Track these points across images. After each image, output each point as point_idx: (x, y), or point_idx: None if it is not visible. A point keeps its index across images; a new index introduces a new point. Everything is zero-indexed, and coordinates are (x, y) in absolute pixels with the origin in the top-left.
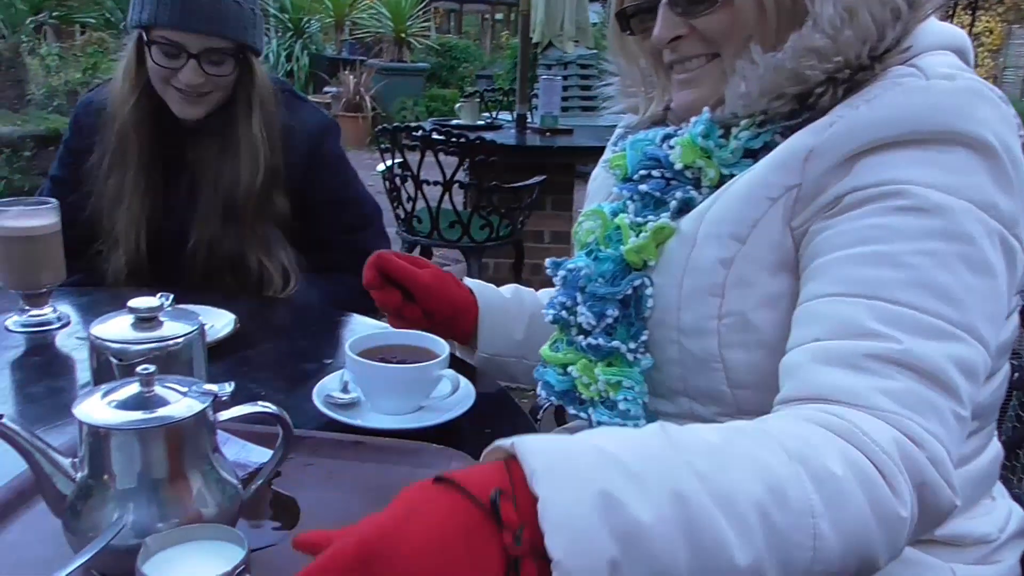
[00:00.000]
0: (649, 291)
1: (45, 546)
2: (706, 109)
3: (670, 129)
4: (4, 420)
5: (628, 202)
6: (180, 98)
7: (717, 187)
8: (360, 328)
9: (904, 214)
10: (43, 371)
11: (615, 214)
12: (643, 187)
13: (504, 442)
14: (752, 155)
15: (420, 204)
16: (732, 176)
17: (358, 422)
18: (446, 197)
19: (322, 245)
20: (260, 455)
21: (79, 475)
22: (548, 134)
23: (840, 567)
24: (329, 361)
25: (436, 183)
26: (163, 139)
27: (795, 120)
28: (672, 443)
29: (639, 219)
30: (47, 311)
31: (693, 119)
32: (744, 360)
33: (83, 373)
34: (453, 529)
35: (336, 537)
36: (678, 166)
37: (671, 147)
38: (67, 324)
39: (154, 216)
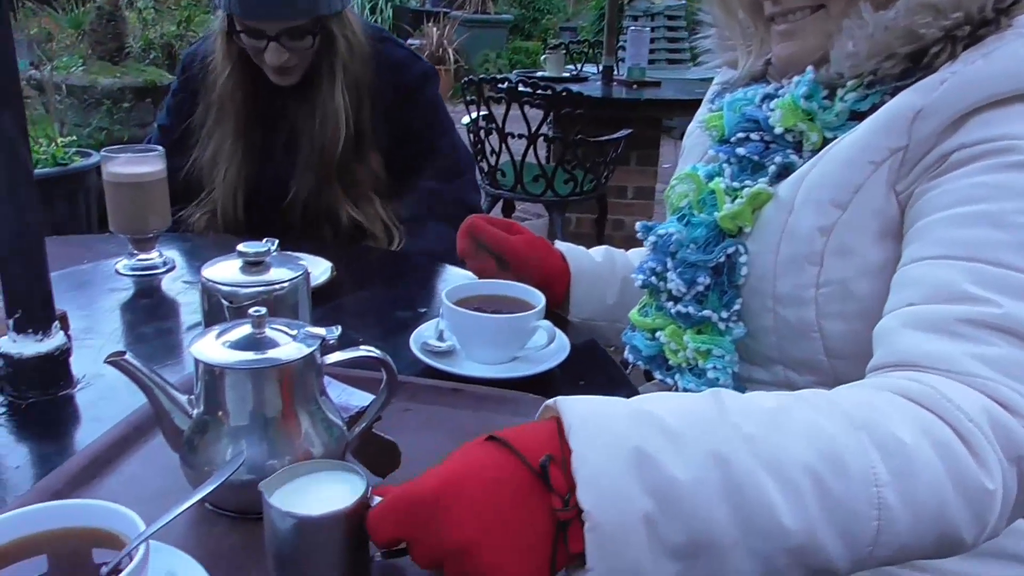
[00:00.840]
0: (743, 259)
1: (163, 478)
2: (810, 69)
3: (770, 89)
4: (127, 356)
5: (724, 165)
6: (271, 70)
7: (819, 151)
8: (452, 277)
9: (1013, 171)
10: (151, 313)
11: (710, 177)
12: (740, 150)
13: (550, 402)
14: (858, 117)
15: (504, 157)
16: (835, 139)
17: (454, 370)
18: (530, 150)
19: (415, 193)
20: (360, 399)
21: (195, 412)
22: (635, 86)
23: (914, 541)
24: (424, 309)
25: (521, 136)
26: (261, 100)
27: (907, 80)
28: (722, 408)
29: (735, 184)
30: (154, 255)
31: (795, 79)
32: (842, 330)
33: (189, 316)
34: (505, 489)
35: (396, 490)
36: (778, 129)
37: (771, 109)
38: (172, 268)
39: (251, 174)
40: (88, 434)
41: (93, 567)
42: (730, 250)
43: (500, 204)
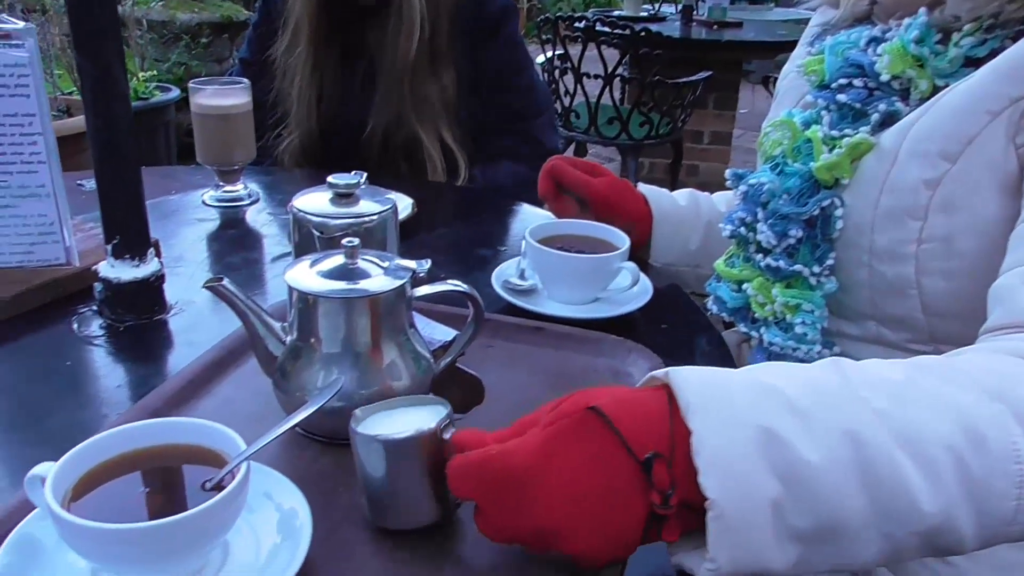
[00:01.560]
0: (839, 212)
1: (255, 402)
2: (922, 11)
3: (877, 32)
4: (225, 282)
5: (823, 112)
6: None
7: (928, 99)
8: (530, 216)
9: None
10: (237, 243)
11: (807, 125)
12: (842, 97)
13: (659, 373)
14: (974, 64)
15: (579, 99)
16: (947, 87)
17: (536, 308)
18: (606, 92)
19: (492, 132)
20: (442, 333)
21: (288, 338)
22: (715, 27)
23: None
24: (503, 248)
25: (596, 77)
26: (341, 24)
27: None
28: (847, 379)
29: (834, 132)
30: (239, 187)
31: (905, 22)
32: (944, 288)
33: (272, 247)
34: (600, 477)
35: (489, 440)
36: (884, 76)
37: (878, 54)
38: (256, 200)
39: (331, 102)
40: (181, 357)
41: (194, 483)
42: (825, 202)
43: (572, 147)
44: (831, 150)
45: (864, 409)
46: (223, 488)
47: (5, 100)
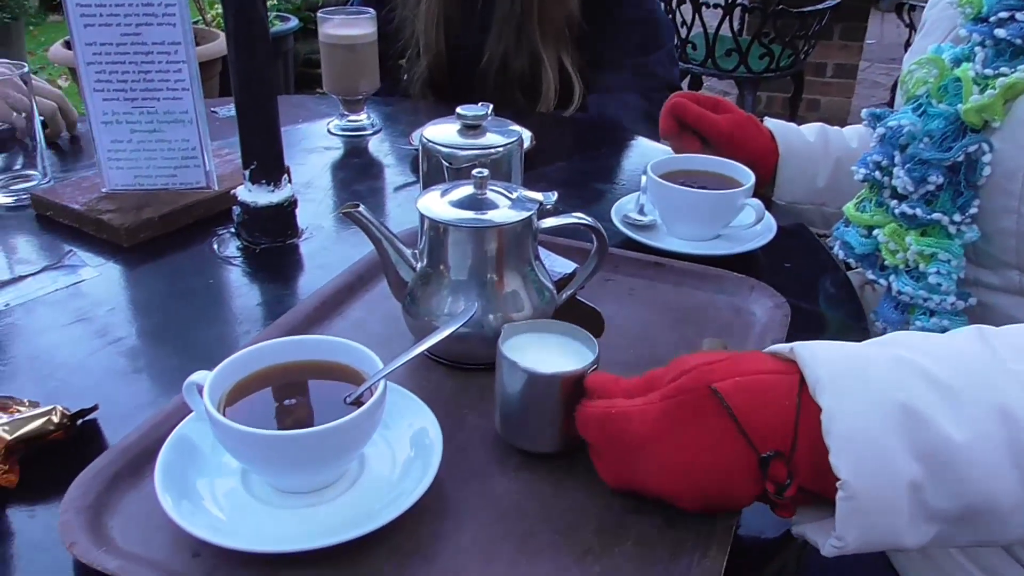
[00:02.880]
0: (987, 157)
1: (385, 325)
2: None
3: None
4: (360, 208)
5: (977, 48)
6: None
7: None
8: (649, 152)
9: None
10: (362, 172)
11: (957, 62)
12: (1000, 32)
13: (783, 348)
14: None
15: (696, 29)
16: None
17: (656, 244)
18: (725, 22)
19: (611, 65)
20: (562, 266)
21: (419, 265)
22: None
23: None
24: (622, 182)
25: (716, 6)
26: None
27: None
28: (993, 350)
29: (988, 71)
30: (363, 117)
31: None
32: None
33: (395, 177)
34: (715, 458)
35: (617, 392)
36: None
37: None
38: (379, 131)
39: (451, 28)
40: (312, 279)
41: (334, 397)
42: (972, 148)
43: (688, 79)
44: (982, 90)
45: (1016, 383)
46: (363, 403)
47: (153, 29)
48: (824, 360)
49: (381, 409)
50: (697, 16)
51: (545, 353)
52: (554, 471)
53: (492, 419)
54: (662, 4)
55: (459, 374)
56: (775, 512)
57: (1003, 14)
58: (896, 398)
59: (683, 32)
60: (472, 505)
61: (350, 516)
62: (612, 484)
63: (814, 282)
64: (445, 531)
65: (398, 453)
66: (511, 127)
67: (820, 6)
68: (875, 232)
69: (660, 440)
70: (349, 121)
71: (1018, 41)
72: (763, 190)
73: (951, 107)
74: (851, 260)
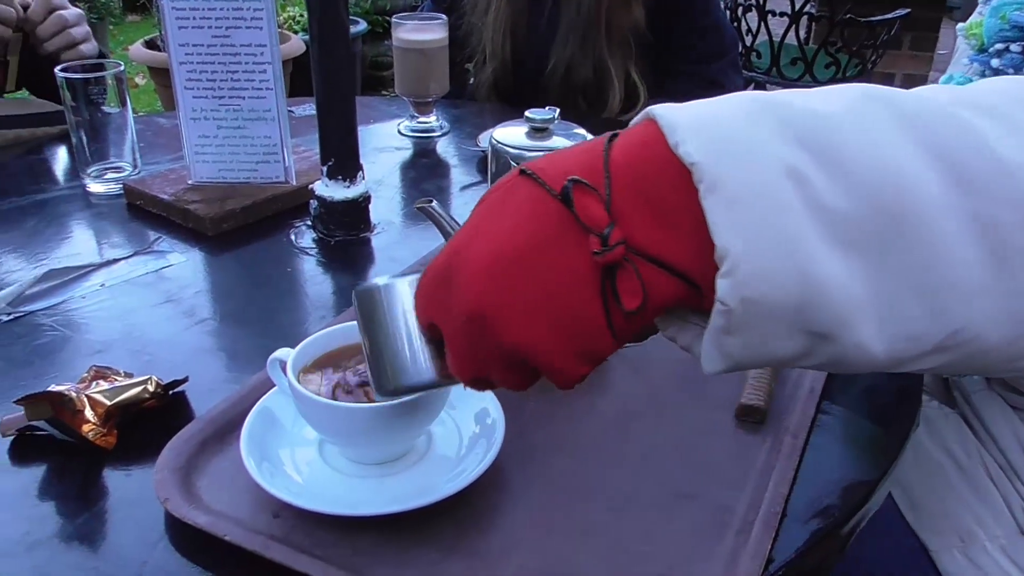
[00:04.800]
0: None
1: None
2: None
3: None
4: (433, 203)
5: (977, 78)
6: None
7: None
8: None
9: None
10: (430, 171)
11: None
12: (995, 62)
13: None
14: None
15: (761, 37)
16: None
17: None
18: (791, 30)
19: (675, 72)
20: None
21: None
22: None
23: None
24: None
25: (782, 14)
26: None
27: None
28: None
29: None
30: (432, 119)
31: None
32: None
33: (462, 177)
34: (523, 231)
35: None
36: None
37: None
38: (447, 132)
39: (517, 34)
40: (383, 271)
41: None
42: None
43: (751, 87)
44: None
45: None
46: None
47: (242, 31)
48: (669, 104)
49: (449, 388)
50: (763, 24)
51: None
52: (610, 452)
53: (551, 402)
54: (727, 11)
55: None
56: (623, 304)
57: (999, 45)
58: (751, 96)
59: (748, 40)
60: (530, 482)
61: (416, 487)
62: (462, 373)
63: None
64: (503, 505)
65: (463, 432)
66: (576, 130)
67: (890, 15)
68: None
69: (469, 246)
70: (419, 123)
71: (1010, 71)
72: None
73: None
74: None
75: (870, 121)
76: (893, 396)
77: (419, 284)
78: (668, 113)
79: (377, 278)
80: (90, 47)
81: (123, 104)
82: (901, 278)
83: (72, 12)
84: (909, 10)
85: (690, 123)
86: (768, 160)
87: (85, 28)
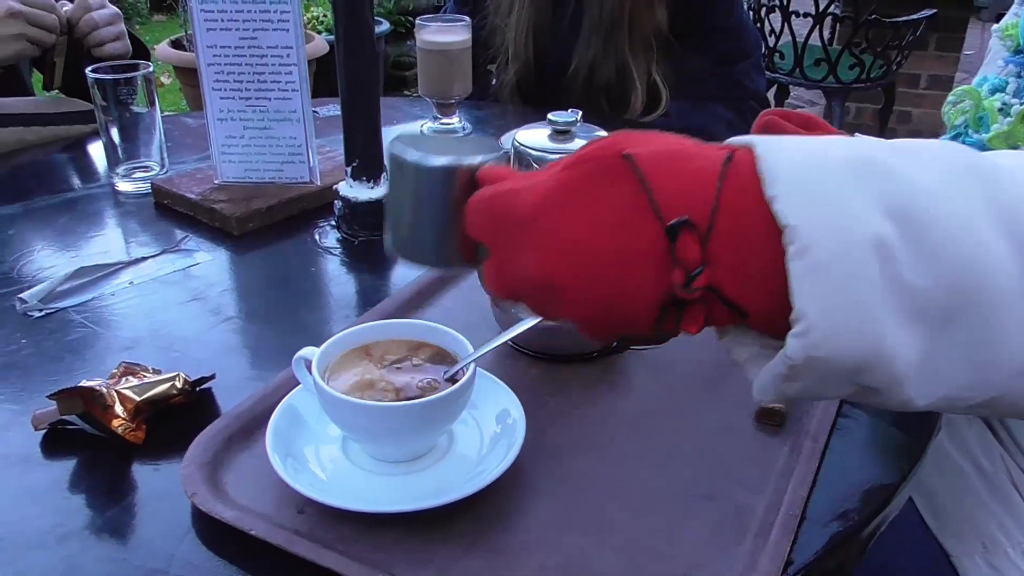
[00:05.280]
0: None
1: (471, 314)
2: None
3: None
4: None
5: (1011, 79)
6: None
7: None
8: None
9: None
10: None
11: (993, 92)
12: None
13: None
14: None
15: (785, 38)
16: None
17: None
18: (815, 31)
19: (698, 73)
20: None
21: None
22: None
23: None
24: None
25: (806, 15)
26: None
27: None
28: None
29: (1016, 100)
30: (454, 120)
31: None
32: None
33: None
34: (615, 233)
35: (512, 182)
36: None
37: None
38: (470, 133)
39: (540, 36)
40: (405, 271)
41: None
42: None
43: (774, 89)
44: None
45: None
46: (456, 382)
47: (269, 33)
48: (771, 140)
49: (471, 388)
50: (786, 25)
51: (441, 151)
52: (629, 453)
53: (571, 403)
54: (750, 12)
55: (540, 364)
56: (683, 327)
57: None
58: (853, 153)
59: (771, 41)
60: (550, 482)
61: (438, 485)
62: (500, 291)
63: None
64: (524, 504)
65: (484, 431)
66: (598, 132)
67: (916, 16)
68: None
69: (553, 213)
70: (442, 123)
71: None
72: None
73: (982, 136)
74: None
75: (963, 200)
76: None
77: (484, 203)
78: (769, 157)
79: (428, 152)
80: (118, 46)
81: (152, 104)
82: (959, 350)
83: (103, 13)
84: (935, 11)
85: (789, 177)
86: (859, 231)
87: (119, 28)
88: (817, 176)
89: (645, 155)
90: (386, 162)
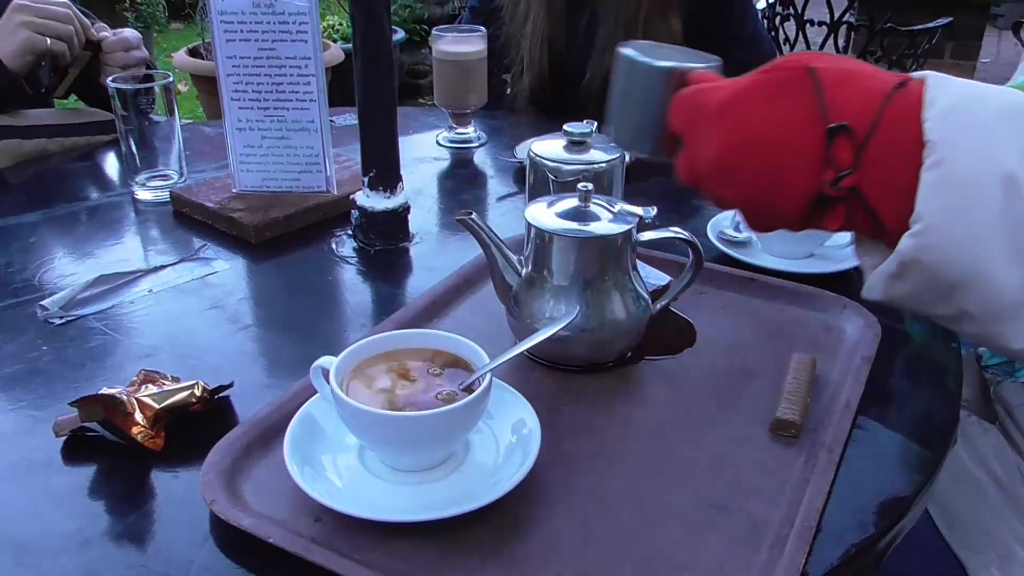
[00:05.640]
0: None
1: (487, 324)
2: None
3: None
4: (473, 216)
5: None
6: None
7: None
8: None
9: None
10: (468, 182)
11: None
12: None
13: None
14: None
15: (799, 47)
16: None
17: (751, 260)
18: (829, 40)
19: None
20: (657, 277)
21: (524, 270)
22: None
23: None
24: None
25: (820, 24)
26: None
27: None
28: None
29: None
30: (469, 130)
31: None
32: None
33: (498, 187)
34: (784, 130)
35: (710, 84)
36: None
37: None
38: (484, 143)
39: (555, 46)
40: (421, 280)
41: (443, 385)
42: None
43: None
44: None
45: None
46: (472, 391)
47: (287, 44)
48: (943, 76)
49: (487, 398)
50: (801, 33)
51: (666, 57)
52: (645, 463)
53: (586, 413)
54: (764, 20)
55: (556, 374)
56: (824, 224)
57: None
58: (1009, 99)
59: (785, 49)
60: (566, 492)
61: (455, 495)
62: (685, 177)
63: None
64: (541, 514)
65: (500, 441)
66: (613, 143)
67: (931, 24)
68: None
69: (736, 106)
70: (457, 133)
71: None
72: None
73: None
74: None
75: None
76: (930, 411)
77: (686, 99)
78: (935, 86)
79: (655, 57)
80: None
81: (171, 114)
82: None
83: (134, 34)
84: (951, 19)
85: (946, 103)
86: (994, 162)
87: (144, 53)
88: (969, 106)
89: (826, 70)
90: (616, 64)
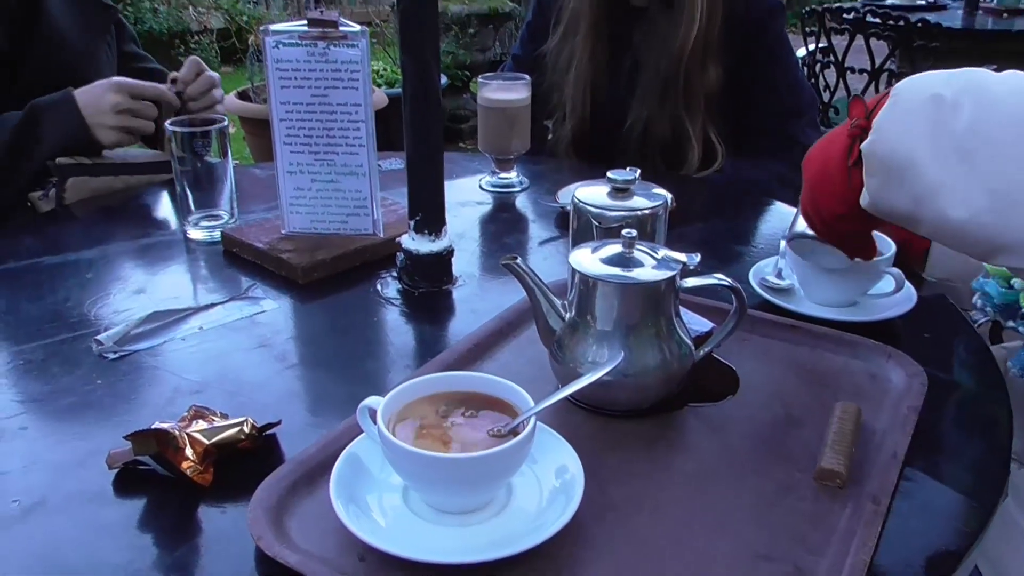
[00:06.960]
0: None
1: (530, 368)
2: None
3: None
4: (519, 260)
5: None
6: None
7: None
8: (787, 216)
9: None
10: (510, 226)
11: None
12: None
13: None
14: None
15: (839, 94)
16: None
17: (793, 307)
18: (870, 87)
19: (752, 131)
20: (700, 323)
21: (567, 315)
22: (1005, 15)
23: None
24: (760, 245)
25: (861, 71)
26: (613, 18)
27: None
28: None
29: None
30: (512, 175)
31: None
32: None
33: (540, 232)
34: (824, 146)
35: None
36: None
37: None
38: (526, 188)
39: (597, 93)
40: (464, 323)
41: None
42: None
43: None
44: None
45: None
46: (517, 435)
47: (339, 91)
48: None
49: (531, 442)
50: (842, 81)
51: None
52: (688, 511)
53: (628, 459)
54: (805, 68)
55: (599, 419)
56: (857, 182)
57: None
58: (965, 71)
59: (826, 96)
60: (608, 539)
61: (497, 538)
62: (804, 215)
63: (953, 352)
64: (583, 559)
65: (543, 485)
66: (656, 190)
67: None
68: (1014, 282)
69: (816, 158)
70: (500, 178)
71: None
72: (915, 266)
73: None
74: (990, 309)
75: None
76: (979, 463)
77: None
78: (903, 84)
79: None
80: (223, 107)
81: (224, 156)
82: (977, 179)
83: (215, 75)
84: (996, 66)
85: (912, 81)
86: (928, 91)
87: (221, 91)
88: (926, 76)
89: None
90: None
